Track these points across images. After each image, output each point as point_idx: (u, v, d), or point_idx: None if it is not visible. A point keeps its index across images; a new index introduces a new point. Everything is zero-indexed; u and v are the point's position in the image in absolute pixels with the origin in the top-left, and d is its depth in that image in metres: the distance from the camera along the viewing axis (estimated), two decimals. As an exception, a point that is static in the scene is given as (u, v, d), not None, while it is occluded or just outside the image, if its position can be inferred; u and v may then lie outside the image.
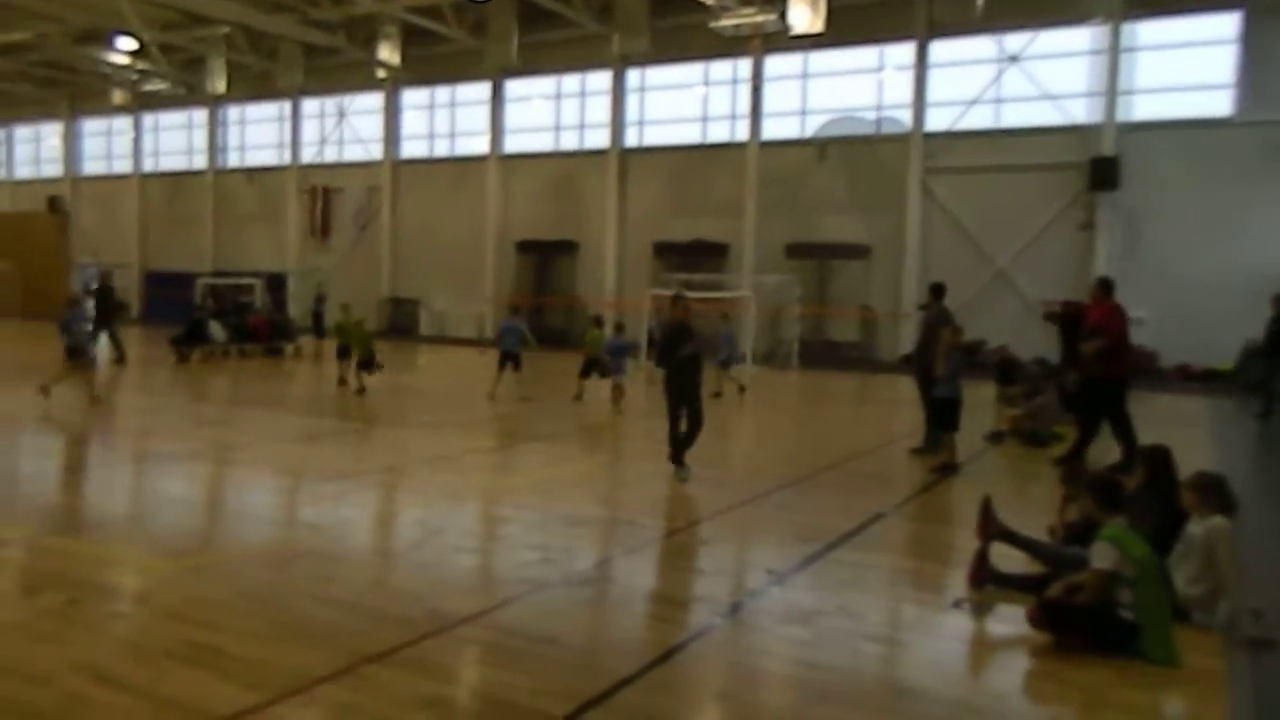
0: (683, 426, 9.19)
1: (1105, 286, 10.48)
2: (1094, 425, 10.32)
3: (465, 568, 6.53)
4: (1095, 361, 10.04)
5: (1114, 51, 23.97)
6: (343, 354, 16.57)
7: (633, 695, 4.35)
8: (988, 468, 10.77)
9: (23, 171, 47.06)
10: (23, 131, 46.85)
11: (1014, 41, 25.29)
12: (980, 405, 14.57)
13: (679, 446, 9.20)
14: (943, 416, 10.15)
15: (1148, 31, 24.02)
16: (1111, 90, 24.01)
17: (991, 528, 6.30)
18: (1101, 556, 5.18)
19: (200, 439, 11.54)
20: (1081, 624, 5.06)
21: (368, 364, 15.90)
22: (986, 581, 6.01)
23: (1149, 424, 13.68)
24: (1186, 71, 23.41)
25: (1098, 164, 23.81)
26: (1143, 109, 24.07)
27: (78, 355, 13.79)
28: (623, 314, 27.84)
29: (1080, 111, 24.69)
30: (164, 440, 11.47)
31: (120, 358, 19.94)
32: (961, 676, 4.97)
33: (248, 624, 5.02)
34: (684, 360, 9.00)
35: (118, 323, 20.90)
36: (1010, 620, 5.45)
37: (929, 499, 9.11)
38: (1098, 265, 23.70)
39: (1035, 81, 25.09)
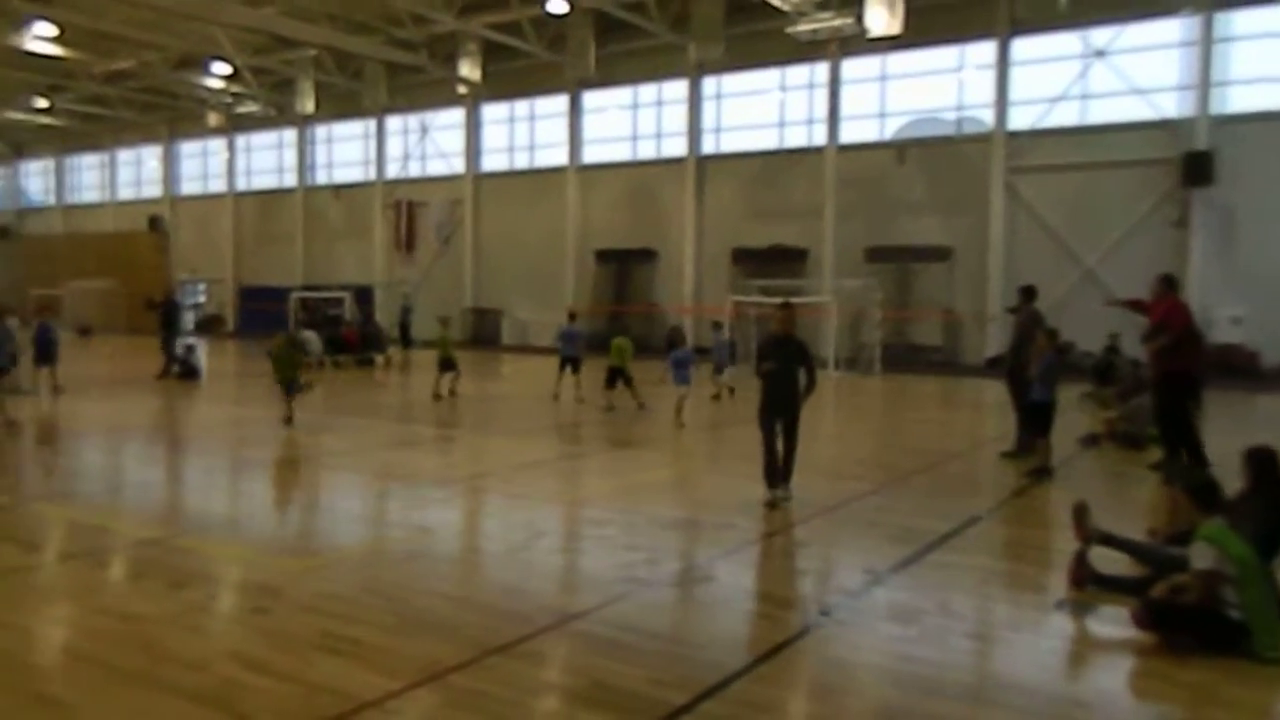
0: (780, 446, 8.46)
1: (1168, 283, 10.24)
2: (1178, 424, 10.04)
3: (571, 567, 6.80)
4: (1161, 359, 9.84)
5: (1206, 43, 23.32)
6: (445, 367, 16.66)
7: (746, 686, 4.54)
8: (1083, 471, 10.65)
9: (125, 193, 49.44)
10: (125, 155, 49.23)
11: (1100, 36, 24.77)
12: (1074, 407, 14.35)
13: (772, 468, 8.43)
14: (1037, 420, 10.08)
15: (1242, 21, 23.31)
16: (1204, 83, 23.38)
17: (1087, 532, 6.31)
18: (1201, 556, 5.20)
19: (305, 446, 12.09)
20: (1189, 624, 5.07)
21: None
22: (1087, 582, 6.03)
23: (1251, 426, 13.35)
24: (1284, 61, 22.65)
25: (1191, 159, 23.18)
26: (1238, 101, 23.36)
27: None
28: (699, 321, 28.06)
29: (1171, 105, 24.07)
30: (272, 448, 12.04)
31: (165, 371, 19.95)
32: (1066, 673, 5.03)
33: (377, 617, 5.35)
34: (766, 375, 8.37)
35: (178, 335, 21.13)
36: (1113, 621, 5.49)
37: (1024, 502, 9.09)
38: (1192, 263, 23.08)
39: (1123, 76, 24.54)
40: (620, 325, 31.42)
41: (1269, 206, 22.73)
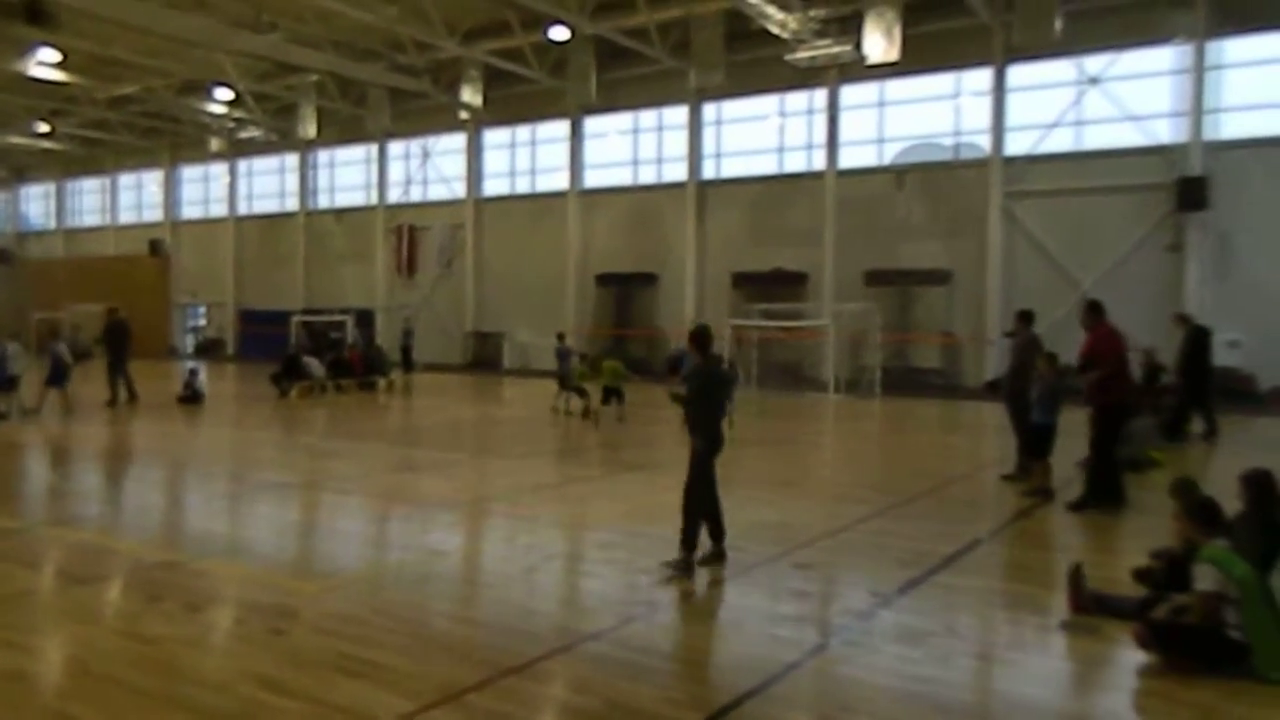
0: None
1: (1095, 310, 10.02)
2: (1104, 458, 9.78)
3: (583, 589, 6.90)
4: (1097, 392, 9.52)
5: (1199, 70, 23.62)
6: (576, 391, 17.99)
7: (758, 706, 4.62)
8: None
9: (126, 217, 49.64)
10: (126, 179, 49.47)
11: (1094, 63, 25.08)
12: (1072, 430, 14.44)
13: (711, 518, 7.46)
14: (1037, 443, 10.19)
15: (1234, 48, 23.62)
16: (1197, 109, 23.64)
17: (1083, 600, 6.13)
18: (1203, 577, 5.29)
19: (314, 469, 12.17)
20: (1191, 644, 5.17)
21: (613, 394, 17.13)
22: (1088, 606, 6.09)
23: (1248, 449, 13.46)
24: (1276, 88, 22.92)
25: (1185, 184, 23.41)
26: (1231, 127, 23.62)
27: None
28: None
29: (1165, 132, 24.34)
30: (283, 471, 12.13)
31: (131, 396, 19.27)
32: (1071, 693, 5.11)
33: (393, 639, 5.43)
34: (685, 405, 7.73)
35: (127, 361, 19.51)
36: (1116, 642, 5.58)
37: (1026, 525, 9.17)
38: (1188, 287, 23.31)
39: (1117, 103, 24.83)
40: (620, 348, 31.61)
41: (1263, 231, 22.95)
